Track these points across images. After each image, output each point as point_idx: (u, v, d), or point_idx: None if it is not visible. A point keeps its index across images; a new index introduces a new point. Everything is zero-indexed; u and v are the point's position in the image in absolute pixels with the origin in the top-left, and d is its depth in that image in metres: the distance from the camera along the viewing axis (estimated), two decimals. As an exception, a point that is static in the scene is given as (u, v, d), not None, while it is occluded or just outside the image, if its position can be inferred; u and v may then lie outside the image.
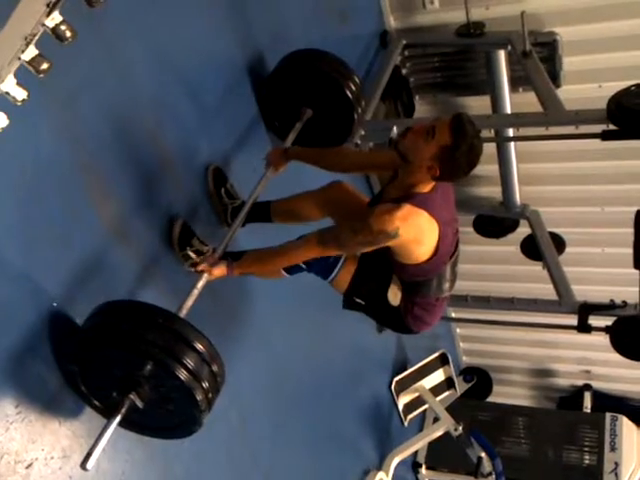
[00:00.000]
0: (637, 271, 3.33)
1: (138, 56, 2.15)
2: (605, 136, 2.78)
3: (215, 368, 1.70)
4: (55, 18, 1.12)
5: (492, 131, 3.27)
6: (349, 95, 2.66)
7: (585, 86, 3.68)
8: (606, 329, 3.67)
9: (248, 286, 2.71)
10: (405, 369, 4.49)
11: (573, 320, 3.83)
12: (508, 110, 3.69)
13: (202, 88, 2.47)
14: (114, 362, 1.68)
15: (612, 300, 3.69)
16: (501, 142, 3.76)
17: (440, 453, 4.43)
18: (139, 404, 1.68)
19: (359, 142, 3.10)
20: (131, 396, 1.66)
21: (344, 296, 2.20)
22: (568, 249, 4.25)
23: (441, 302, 2.19)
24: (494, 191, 4.20)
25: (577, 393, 5.35)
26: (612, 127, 2.72)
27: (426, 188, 1.96)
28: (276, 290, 2.80)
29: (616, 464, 4.25)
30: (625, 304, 3.65)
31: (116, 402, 1.68)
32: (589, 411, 5.09)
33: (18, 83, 1.18)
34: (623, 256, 3.50)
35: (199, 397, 1.65)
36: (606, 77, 3.58)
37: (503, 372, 5.64)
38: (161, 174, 2.26)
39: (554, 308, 4.00)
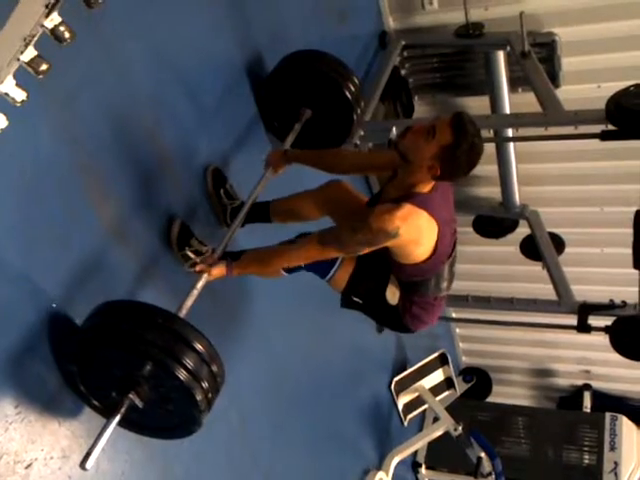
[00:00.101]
0: (636, 271, 3.34)
1: (137, 56, 2.15)
2: (604, 136, 2.78)
3: (215, 368, 1.71)
4: (54, 19, 1.12)
5: (491, 131, 3.27)
6: (348, 96, 2.67)
7: (584, 86, 3.68)
8: (606, 329, 3.68)
9: (248, 286, 2.71)
10: (405, 369, 4.50)
11: (573, 320, 3.83)
12: (507, 110, 3.69)
13: (201, 88, 2.47)
14: (113, 362, 1.68)
15: (611, 300, 3.69)
16: (500, 142, 3.77)
17: (440, 453, 4.44)
18: (138, 404, 1.68)
19: (358, 143, 3.10)
20: (130, 396, 1.66)
21: (342, 295, 2.20)
22: (567, 249, 4.25)
23: (439, 301, 2.19)
24: (493, 191, 4.20)
25: (577, 393, 5.35)
26: (611, 127, 2.73)
27: (426, 188, 1.96)
28: (276, 290, 2.80)
29: (616, 464, 4.25)
30: (624, 304, 3.66)
31: (115, 402, 1.68)
32: (589, 411, 5.10)
33: (17, 84, 1.18)
34: (622, 256, 3.50)
35: (199, 397, 1.65)
36: (605, 77, 3.58)
37: (503, 372, 5.64)
38: (160, 175, 2.26)
39: (554, 308, 4.01)
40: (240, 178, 2.60)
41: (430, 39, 3.88)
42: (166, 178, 2.30)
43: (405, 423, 4.49)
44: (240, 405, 2.60)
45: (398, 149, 1.95)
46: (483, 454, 3.85)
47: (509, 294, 4.28)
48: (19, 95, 1.19)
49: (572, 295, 3.91)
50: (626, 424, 4.45)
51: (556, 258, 4.03)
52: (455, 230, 2.10)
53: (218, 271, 2.08)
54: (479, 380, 5.40)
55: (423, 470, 4.45)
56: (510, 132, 3.60)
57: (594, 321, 3.76)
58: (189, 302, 1.93)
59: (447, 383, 4.73)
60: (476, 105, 3.95)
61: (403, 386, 4.44)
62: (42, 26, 1.12)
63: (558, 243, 4.18)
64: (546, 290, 4.04)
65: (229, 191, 2.52)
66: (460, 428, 3.89)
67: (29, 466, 1.69)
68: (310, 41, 2.94)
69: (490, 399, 5.48)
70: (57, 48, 1.16)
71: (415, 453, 4.39)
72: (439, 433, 4.04)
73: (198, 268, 2.06)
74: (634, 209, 3.30)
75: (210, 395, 1.70)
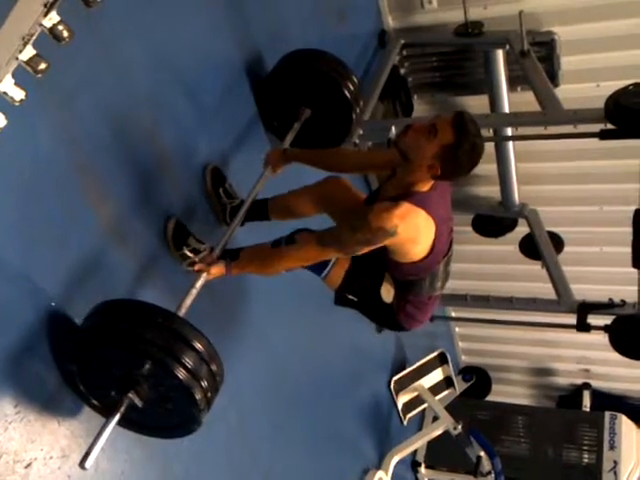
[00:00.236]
0: (635, 270, 3.34)
1: (136, 56, 2.15)
2: (603, 135, 2.78)
3: (214, 367, 1.71)
4: (52, 18, 1.12)
5: (490, 130, 3.27)
6: (347, 95, 2.67)
7: (583, 85, 3.68)
8: (605, 328, 3.68)
9: (247, 285, 2.71)
10: (404, 368, 4.50)
11: (572, 319, 3.83)
12: (506, 109, 3.69)
13: (200, 88, 2.47)
14: (113, 361, 1.68)
15: (611, 299, 3.69)
16: (499, 141, 3.77)
17: (439, 452, 4.43)
18: (138, 403, 1.68)
19: (357, 142, 3.10)
20: (130, 395, 1.66)
21: (336, 292, 2.21)
22: (567, 248, 4.25)
23: (433, 300, 2.19)
24: (493, 190, 4.20)
25: (576, 392, 5.36)
26: (610, 126, 2.72)
27: (425, 187, 1.96)
28: (275, 289, 2.80)
29: (615, 463, 4.25)
30: (624, 303, 3.66)
31: (115, 401, 1.68)
32: (588, 410, 5.10)
33: (16, 83, 1.18)
34: (621, 255, 3.50)
35: (198, 396, 1.65)
36: (604, 76, 3.58)
37: (502, 371, 5.64)
38: (159, 174, 2.26)
39: (553, 307, 4.01)
40: (239, 177, 2.60)
41: (429, 38, 3.88)
42: (165, 177, 2.29)
43: (404, 422, 4.49)
44: (239, 404, 2.60)
45: (398, 147, 1.95)
46: (483, 453, 3.86)
47: (508, 293, 4.28)
48: (18, 94, 1.19)
49: (571, 294, 3.91)
50: (625, 423, 4.45)
51: (555, 257, 4.03)
52: (452, 229, 2.10)
53: (217, 270, 2.07)
54: (478, 379, 5.41)
55: (423, 469, 4.45)
56: (509, 131, 3.60)
57: (593, 320, 3.76)
58: (188, 301, 1.93)
59: (446, 382, 4.73)
60: (475, 104, 3.94)
61: (402, 385, 4.44)
62: (41, 25, 1.12)
63: (557, 242, 4.19)
64: (545, 289, 4.05)
65: (228, 190, 2.52)
66: (459, 427, 3.89)
67: (28, 465, 1.69)
68: (309, 40, 2.93)
69: (489, 398, 5.48)
70: (56, 47, 1.16)
71: (414, 452, 4.39)
72: (439, 432, 4.04)
73: (197, 267, 2.06)
74: (633, 208, 3.31)
75: (209, 394, 1.70)
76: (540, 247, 4.03)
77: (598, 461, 4.31)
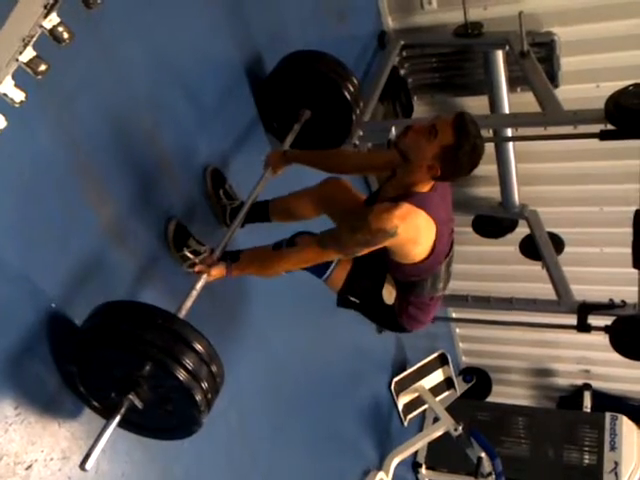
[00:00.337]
0: (636, 270, 3.34)
1: (136, 57, 2.15)
2: (603, 136, 2.78)
3: (214, 368, 1.71)
4: (52, 19, 1.12)
5: (490, 131, 3.28)
6: (347, 96, 2.67)
7: (583, 86, 3.68)
8: (605, 329, 3.68)
9: (247, 286, 2.71)
10: (404, 369, 4.50)
11: (572, 320, 3.83)
12: (506, 110, 3.69)
13: (200, 89, 2.47)
14: (113, 363, 1.68)
15: (611, 300, 3.69)
16: (499, 142, 3.77)
17: (440, 453, 4.44)
18: (138, 404, 1.68)
19: (357, 143, 3.10)
20: (130, 397, 1.66)
21: (338, 294, 2.20)
22: (567, 249, 4.25)
23: (435, 301, 2.19)
24: (493, 191, 4.20)
25: (577, 393, 5.35)
26: (610, 127, 2.73)
27: (425, 187, 1.96)
28: (275, 290, 2.80)
29: (616, 463, 4.25)
30: (624, 303, 3.65)
31: (115, 403, 1.68)
32: (589, 411, 5.10)
33: (16, 85, 1.18)
34: (622, 256, 3.50)
35: (198, 397, 1.65)
36: (604, 77, 3.59)
37: (503, 372, 5.64)
38: (159, 175, 2.26)
39: (553, 308, 4.00)
40: (239, 179, 2.60)
41: (429, 39, 3.89)
42: (165, 179, 2.29)
43: (405, 423, 4.49)
44: (240, 406, 2.60)
45: (398, 148, 1.95)
46: (483, 454, 3.85)
47: (509, 294, 4.27)
48: (18, 96, 1.19)
49: (572, 295, 3.91)
50: (626, 424, 4.45)
51: (555, 258, 4.03)
52: (452, 230, 2.10)
53: (217, 272, 2.07)
54: (479, 380, 5.40)
55: (423, 470, 4.45)
56: (509, 132, 3.60)
57: (594, 321, 3.76)
58: (188, 302, 1.93)
59: (447, 383, 4.73)
60: (475, 105, 3.95)
61: (403, 386, 4.44)
62: (41, 26, 1.12)
63: (557, 243, 4.19)
64: (546, 290, 4.04)
65: (228, 191, 2.52)
66: (460, 428, 3.89)
67: (29, 467, 1.69)
68: (309, 41, 2.94)
69: (490, 399, 5.48)
70: (56, 49, 1.16)
71: (415, 453, 4.39)
72: (439, 433, 4.04)
73: (197, 269, 2.06)
74: (633, 208, 3.30)
75: (210, 395, 1.70)
76: (540, 248, 4.03)
77: (599, 462, 4.31)
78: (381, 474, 3.84)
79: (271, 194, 2.45)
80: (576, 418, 4.77)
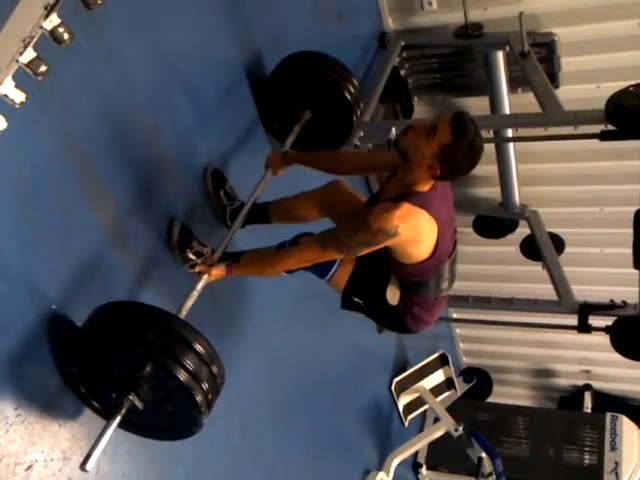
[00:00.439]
0: (636, 271, 3.33)
1: (136, 58, 2.15)
2: (603, 136, 2.78)
3: (215, 369, 1.71)
4: (53, 20, 1.12)
5: (491, 132, 3.27)
6: (348, 97, 2.67)
7: (583, 86, 3.68)
8: (606, 329, 3.68)
9: (248, 287, 2.71)
10: (405, 370, 4.50)
11: (573, 320, 3.83)
12: (507, 111, 3.70)
13: (201, 90, 2.47)
14: (113, 363, 1.68)
15: (612, 300, 3.69)
16: (500, 143, 3.77)
17: (440, 453, 4.44)
18: (139, 405, 1.68)
19: (358, 144, 3.10)
20: (130, 397, 1.66)
21: (342, 295, 2.20)
22: (567, 249, 4.26)
23: (440, 301, 2.19)
24: (493, 192, 4.20)
25: (577, 393, 5.36)
26: (610, 127, 2.73)
27: (425, 187, 1.96)
28: (276, 291, 2.80)
29: (616, 464, 4.25)
30: (625, 304, 3.65)
31: (115, 403, 1.68)
32: (589, 411, 5.10)
33: (16, 86, 1.18)
34: (622, 256, 3.50)
35: (198, 398, 1.65)
36: (604, 77, 3.59)
37: (503, 372, 5.64)
38: (160, 176, 2.26)
39: (554, 308, 4.00)
40: (240, 179, 2.60)
41: (429, 39, 3.89)
42: (166, 179, 2.30)
43: (406, 424, 4.49)
44: (240, 406, 2.60)
45: (398, 148, 1.95)
46: (484, 454, 3.85)
47: (509, 294, 4.27)
48: (18, 97, 1.19)
49: (572, 295, 3.90)
50: (627, 424, 4.45)
51: (556, 258, 4.03)
52: (455, 230, 2.10)
53: (218, 272, 2.08)
54: (479, 380, 5.40)
55: (424, 471, 4.45)
56: (510, 132, 3.60)
57: (594, 321, 3.75)
58: (189, 303, 1.93)
59: (448, 383, 4.73)
60: (476, 105, 3.95)
61: (403, 387, 4.44)
62: (41, 27, 1.12)
63: (558, 243, 4.19)
64: (546, 290, 4.04)
65: (229, 192, 2.52)
66: (461, 428, 3.89)
67: (29, 468, 1.69)
68: (309, 42, 2.94)
69: (491, 399, 5.48)
70: (56, 49, 1.16)
71: (416, 454, 4.39)
72: (440, 433, 4.03)
73: (198, 269, 2.07)
74: (634, 209, 3.30)
75: (210, 396, 1.70)
76: (541, 248, 4.03)
77: (599, 462, 4.31)
78: (381, 474, 3.84)
79: (271, 195, 2.45)
80: (576, 418, 4.78)
